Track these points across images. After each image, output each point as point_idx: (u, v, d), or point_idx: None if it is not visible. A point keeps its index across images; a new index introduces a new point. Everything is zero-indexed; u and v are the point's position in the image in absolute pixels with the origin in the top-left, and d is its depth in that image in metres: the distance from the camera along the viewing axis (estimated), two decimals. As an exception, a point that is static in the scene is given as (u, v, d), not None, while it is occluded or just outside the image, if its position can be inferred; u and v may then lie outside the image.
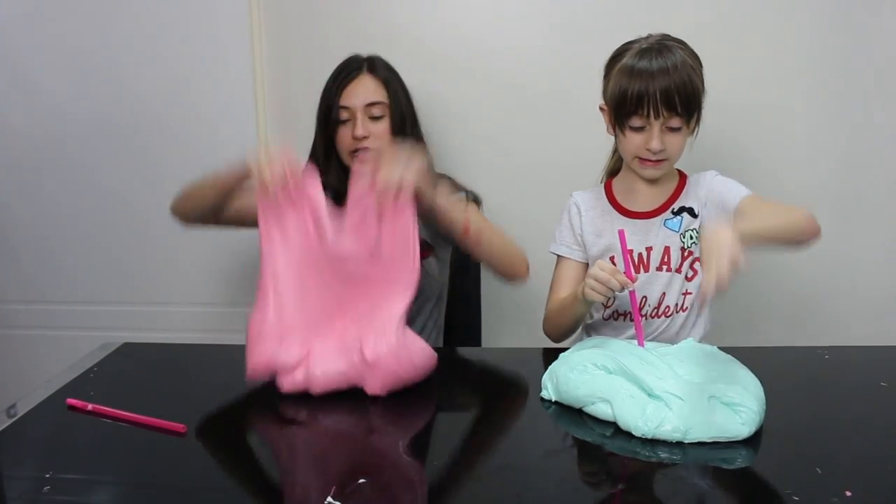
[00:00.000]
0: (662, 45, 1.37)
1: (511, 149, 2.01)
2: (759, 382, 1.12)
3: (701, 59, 1.42)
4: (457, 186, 1.65)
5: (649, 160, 1.41)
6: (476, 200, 1.65)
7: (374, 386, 1.20)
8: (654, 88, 1.33)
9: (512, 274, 1.54)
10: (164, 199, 2.13)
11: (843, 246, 1.95)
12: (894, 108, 1.88)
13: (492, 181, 2.00)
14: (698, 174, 1.52)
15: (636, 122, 1.38)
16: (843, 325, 1.97)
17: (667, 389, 1.07)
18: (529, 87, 1.96)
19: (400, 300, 1.26)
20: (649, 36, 1.42)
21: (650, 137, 1.38)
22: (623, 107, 1.37)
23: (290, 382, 1.21)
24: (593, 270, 1.31)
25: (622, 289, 1.28)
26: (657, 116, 1.35)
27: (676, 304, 1.49)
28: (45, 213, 2.21)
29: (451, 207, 1.44)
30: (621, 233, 1.32)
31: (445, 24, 1.97)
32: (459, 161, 1.99)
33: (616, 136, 1.46)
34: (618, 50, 1.44)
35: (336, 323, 1.32)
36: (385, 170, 1.29)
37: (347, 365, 1.21)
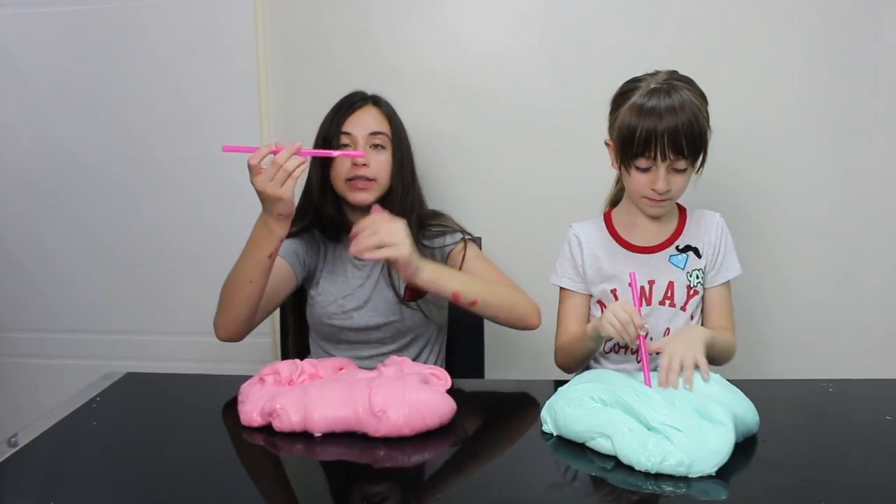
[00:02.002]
0: (670, 86, 1.37)
1: (513, 181, 2.02)
2: (748, 403, 1.14)
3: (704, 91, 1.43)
4: (454, 226, 1.65)
5: (655, 199, 1.41)
6: (473, 240, 1.64)
7: (376, 434, 1.17)
8: (661, 131, 1.33)
9: (521, 325, 1.54)
10: (168, 228, 2.16)
11: (848, 278, 1.95)
12: (896, 139, 1.89)
13: (494, 213, 2.02)
14: (701, 212, 1.53)
15: (643, 163, 1.38)
16: (848, 359, 1.96)
17: (664, 422, 1.06)
18: (531, 121, 1.98)
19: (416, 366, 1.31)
20: (657, 73, 1.42)
21: (656, 178, 1.38)
22: (630, 148, 1.37)
23: (286, 424, 1.19)
24: (614, 308, 1.30)
25: (637, 335, 1.29)
26: (664, 159, 1.36)
27: None
28: (48, 242, 2.22)
29: (437, 278, 1.44)
30: (633, 275, 1.34)
31: (449, 57, 2.00)
32: (462, 193, 2.01)
33: (621, 174, 1.46)
34: (626, 87, 1.43)
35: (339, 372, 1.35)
36: (376, 231, 1.35)
37: (351, 412, 1.18)
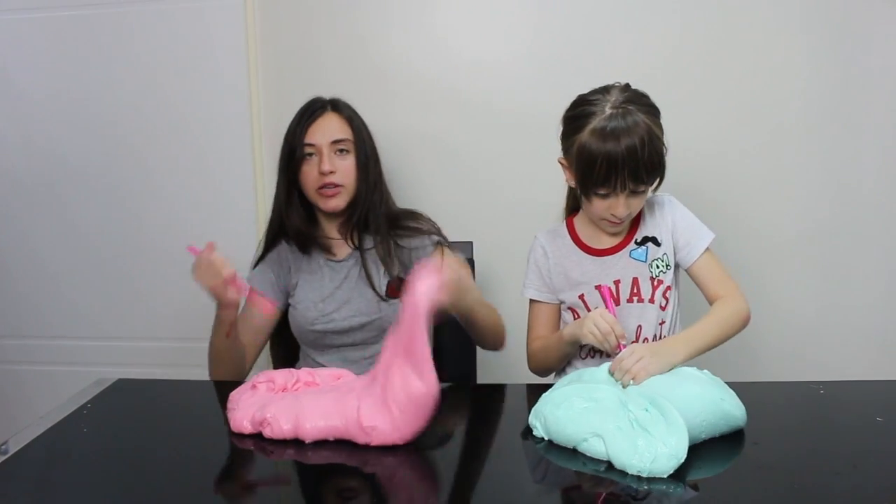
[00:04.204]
0: (625, 111, 1.36)
1: (502, 185, 2.03)
2: (733, 396, 1.16)
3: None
4: (429, 227, 1.66)
5: (614, 222, 1.44)
6: (449, 245, 1.66)
7: (365, 442, 1.17)
8: (621, 165, 1.34)
9: (495, 345, 1.62)
10: (159, 234, 2.15)
11: (838, 280, 1.96)
12: (884, 146, 1.90)
13: (483, 217, 2.02)
14: (653, 199, 1.53)
15: (603, 191, 1.39)
16: (839, 360, 1.97)
17: (645, 409, 1.09)
18: (520, 125, 1.99)
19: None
20: (609, 90, 1.41)
21: (616, 205, 1.40)
22: (590, 178, 1.38)
23: (277, 433, 1.19)
24: (594, 318, 1.34)
25: (618, 344, 1.31)
26: (623, 189, 1.37)
27: (655, 336, 1.51)
28: (38, 249, 2.22)
29: (483, 307, 1.52)
30: (602, 289, 1.40)
31: (437, 63, 2.01)
32: (451, 198, 2.02)
33: (580, 198, 1.47)
34: (578, 111, 1.42)
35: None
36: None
37: (341, 423, 1.18)
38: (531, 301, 1.59)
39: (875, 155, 1.91)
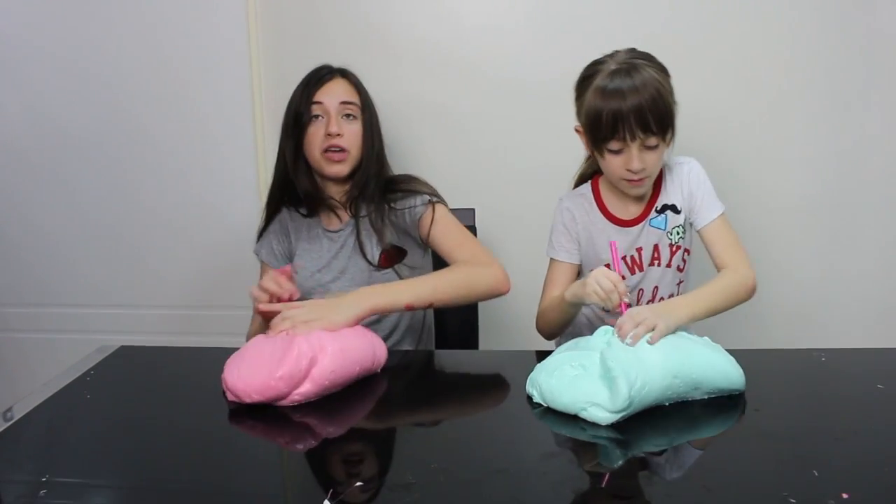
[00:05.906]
0: (631, 66, 1.37)
1: (506, 152, 2.02)
2: (730, 360, 1.18)
3: (684, 66, 1.43)
4: (422, 188, 1.64)
5: (633, 179, 1.43)
6: (441, 201, 1.64)
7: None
8: (627, 112, 1.34)
9: (489, 296, 1.53)
10: (158, 203, 2.15)
11: (840, 249, 1.96)
12: (889, 111, 1.89)
13: (487, 185, 2.02)
14: (675, 164, 1.53)
15: (614, 145, 1.39)
16: (841, 328, 1.97)
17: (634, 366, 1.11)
18: (524, 92, 1.98)
19: None
20: (615, 53, 1.42)
21: (630, 159, 1.39)
22: (599, 132, 1.39)
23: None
24: (597, 276, 1.32)
25: (620, 302, 1.31)
26: (633, 138, 1.37)
27: (671, 295, 1.54)
28: (40, 217, 2.22)
29: (386, 301, 1.41)
30: (613, 244, 1.38)
31: (441, 29, 1.99)
32: (455, 166, 2.01)
33: (596, 159, 1.47)
34: (587, 71, 1.44)
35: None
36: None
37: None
38: (552, 261, 1.59)
39: (879, 121, 1.90)
